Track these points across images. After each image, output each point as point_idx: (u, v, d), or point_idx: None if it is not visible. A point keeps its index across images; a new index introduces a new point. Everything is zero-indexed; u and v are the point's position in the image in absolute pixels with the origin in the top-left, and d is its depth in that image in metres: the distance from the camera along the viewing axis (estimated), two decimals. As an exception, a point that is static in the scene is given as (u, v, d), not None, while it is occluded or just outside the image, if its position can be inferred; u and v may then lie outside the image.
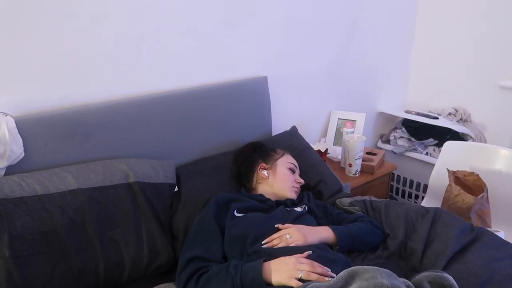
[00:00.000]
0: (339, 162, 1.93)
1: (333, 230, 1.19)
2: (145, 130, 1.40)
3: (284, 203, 1.32)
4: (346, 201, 1.42)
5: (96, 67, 1.34)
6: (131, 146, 1.37)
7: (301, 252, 1.04)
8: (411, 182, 2.30)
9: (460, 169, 1.63)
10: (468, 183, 1.59)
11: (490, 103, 2.18)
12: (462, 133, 2.18)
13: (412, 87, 2.54)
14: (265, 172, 1.40)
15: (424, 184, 2.21)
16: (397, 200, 1.53)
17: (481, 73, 2.19)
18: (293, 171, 1.42)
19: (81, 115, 1.28)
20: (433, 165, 2.08)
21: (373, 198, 1.46)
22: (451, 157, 1.75)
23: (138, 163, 1.29)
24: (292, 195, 1.36)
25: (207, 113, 1.55)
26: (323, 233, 1.17)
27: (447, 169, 1.62)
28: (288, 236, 1.12)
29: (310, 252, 1.04)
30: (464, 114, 2.25)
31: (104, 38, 1.33)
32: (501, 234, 1.40)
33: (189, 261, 1.10)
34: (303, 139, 1.71)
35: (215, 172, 1.47)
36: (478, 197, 1.45)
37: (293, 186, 1.38)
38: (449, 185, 1.58)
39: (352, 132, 1.82)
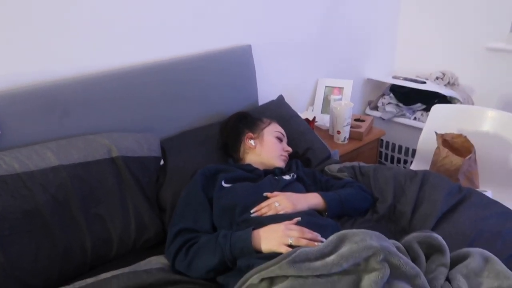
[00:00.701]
0: (327, 130, 1.91)
1: (322, 196, 1.18)
2: (126, 104, 1.36)
3: (272, 172, 1.30)
4: (334, 167, 1.41)
5: (71, 40, 1.28)
6: (113, 121, 1.33)
7: (290, 219, 1.03)
8: (400, 147, 2.30)
9: (448, 132, 1.63)
10: (456, 145, 1.59)
11: (477, 66, 2.17)
12: (450, 97, 2.17)
13: (399, 52, 2.50)
14: (252, 141, 1.38)
15: (412, 149, 2.22)
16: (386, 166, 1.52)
17: (468, 36, 2.16)
18: (280, 140, 1.40)
19: (59, 90, 1.23)
20: (421, 129, 2.09)
21: (362, 164, 1.45)
22: (439, 121, 1.75)
23: (121, 137, 1.25)
24: (280, 163, 1.34)
25: (190, 85, 1.50)
26: (312, 200, 1.16)
27: (435, 132, 1.62)
28: (277, 204, 1.10)
29: (299, 218, 1.03)
30: (452, 78, 2.24)
31: (79, 9, 1.26)
32: (489, 194, 1.41)
33: (178, 233, 1.09)
34: (290, 108, 1.68)
35: (201, 144, 1.44)
36: (466, 158, 1.45)
37: (281, 155, 1.36)
38: (437, 148, 1.58)
39: (340, 99, 1.79)
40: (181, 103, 1.49)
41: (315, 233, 0.99)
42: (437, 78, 2.25)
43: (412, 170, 1.34)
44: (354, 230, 0.90)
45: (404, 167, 2.31)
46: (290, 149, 1.40)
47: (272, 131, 1.40)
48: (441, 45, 2.29)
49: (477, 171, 1.52)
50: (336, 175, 1.38)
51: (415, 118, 2.21)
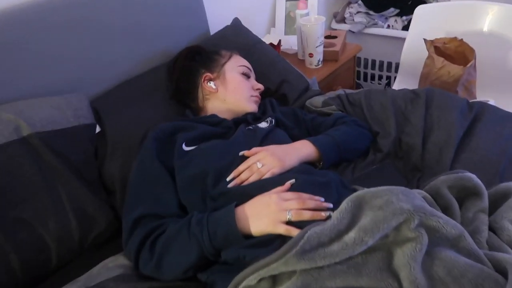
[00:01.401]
0: (295, 55, 1.61)
1: (313, 143, 0.92)
2: (31, 52, 0.96)
3: (244, 120, 1.02)
4: (318, 101, 1.15)
5: None
6: (14, 82, 0.95)
7: (282, 183, 0.78)
8: (378, 63, 2.04)
9: (438, 38, 1.38)
10: (449, 51, 1.35)
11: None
12: (424, -4, 1.89)
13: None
14: (211, 84, 1.07)
15: (395, 63, 1.97)
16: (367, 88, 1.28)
17: None
18: (247, 76, 1.10)
19: None
20: (399, 38, 1.83)
21: (348, 91, 1.19)
22: (424, 25, 1.49)
23: (32, 106, 0.90)
24: (252, 107, 1.06)
25: (118, 18, 1.12)
26: (302, 150, 0.91)
27: (424, 39, 1.36)
28: (259, 165, 0.84)
29: (293, 181, 0.78)
30: (425, -27, 1.94)
31: None
32: (492, 103, 1.22)
33: (136, 223, 0.82)
34: (250, 33, 1.35)
35: (146, 96, 1.11)
36: (467, 66, 1.22)
37: (251, 95, 1.07)
38: (429, 57, 1.34)
39: (307, 14, 1.47)
40: (111, 44, 1.12)
41: (317, 197, 0.75)
42: (408, -26, 1.94)
43: (410, 90, 1.10)
44: (372, 190, 0.67)
45: (387, 86, 2.08)
46: (261, 86, 1.10)
47: (235, 66, 1.09)
48: None
49: (475, 79, 1.31)
50: (321, 111, 1.11)
51: (388, 26, 1.93)
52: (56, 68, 1.02)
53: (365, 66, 2.10)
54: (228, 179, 0.84)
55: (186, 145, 0.93)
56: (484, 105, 1.05)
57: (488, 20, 1.36)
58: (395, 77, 2.01)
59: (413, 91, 1.09)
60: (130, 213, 0.84)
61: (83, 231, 0.89)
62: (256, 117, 1.04)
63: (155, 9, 1.20)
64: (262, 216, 0.72)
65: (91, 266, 0.83)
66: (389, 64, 2.00)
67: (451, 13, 1.44)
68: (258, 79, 1.13)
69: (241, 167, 0.85)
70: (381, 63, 2.02)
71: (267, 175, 0.82)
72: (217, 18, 1.45)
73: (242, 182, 0.83)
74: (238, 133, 0.95)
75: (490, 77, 1.35)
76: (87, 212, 0.90)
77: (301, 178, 0.79)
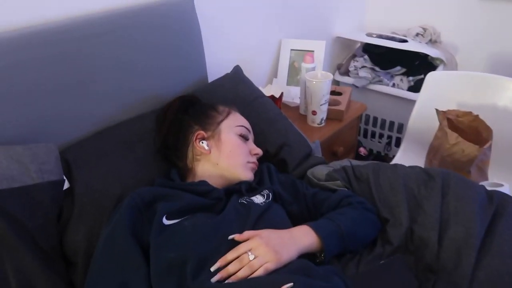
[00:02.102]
0: (297, 109, 1.50)
1: (316, 232, 0.79)
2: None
3: (238, 190, 0.89)
4: (321, 172, 1.02)
5: None
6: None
7: (275, 287, 0.64)
8: (382, 121, 1.94)
9: (449, 108, 1.29)
10: (462, 125, 1.26)
11: (464, 19, 1.83)
12: (431, 57, 1.83)
13: (369, 3, 2.09)
14: (204, 144, 0.94)
15: (398, 123, 1.88)
16: (382, 161, 1.17)
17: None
18: (245, 138, 0.97)
19: None
20: (404, 99, 1.76)
21: (354, 162, 1.07)
22: (434, 92, 1.40)
23: (-15, 157, 0.75)
24: (247, 175, 0.93)
25: (105, 56, 0.99)
26: (303, 240, 0.77)
27: (436, 109, 1.27)
28: (251, 256, 0.70)
29: (290, 285, 0.64)
30: (434, 34, 1.89)
31: None
32: (506, 189, 1.12)
33: (94, 314, 0.66)
34: (252, 84, 1.24)
35: (128, 147, 0.97)
36: (484, 147, 1.12)
37: (248, 162, 0.94)
38: (441, 130, 1.24)
39: (314, 69, 1.37)
40: (93, 85, 0.99)
41: None
42: (417, 34, 1.89)
43: (422, 170, 0.99)
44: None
45: (388, 146, 1.98)
46: (259, 150, 0.98)
47: (232, 126, 0.97)
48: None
49: (489, 159, 1.21)
50: (324, 185, 0.99)
51: (393, 85, 1.86)
52: (24, 106, 0.87)
53: (366, 123, 2.01)
54: (212, 269, 0.70)
55: (167, 218, 0.79)
56: (504, 197, 0.94)
57: (505, 95, 1.28)
58: (396, 137, 1.93)
59: (426, 172, 0.98)
60: (89, 300, 0.69)
61: (27, 315, 0.73)
62: (251, 188, 0.91)
63: (149, 47, 1.08)
64: None
65: None
66: (392, 123, 1.92)
67: (463, 83, 1.36)
68: (256, 141, 1.01)
69: (230, 256, 0.71)
70: (383, 121, 1.94)
71: (259, 271, 0.69)
72: (216, 63, 1.35)
73: (228, 276, 0.69)
74: (229, 208, 0.82)
75: (504, 157, 1.26)
76: (36, 291, 0.74)
77: (300, 282, 0.65)
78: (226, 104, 1.04)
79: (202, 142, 0.94)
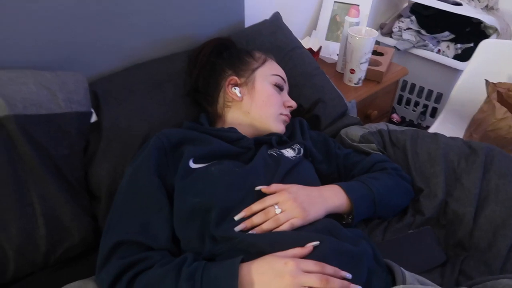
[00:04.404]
0: (333, 65, 1.42)
1: (347, 193, 0.75)
2: (23, 17, 0.78)
3: (267, 142, 0.85)
4: (355, 133, 0.97)
5: None
6: None
7: (302, 243, 0.61)
8: (420, 88, 1.84)
9: (500, 81, 1.19)
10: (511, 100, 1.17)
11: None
12: (484, 25, 1.69)
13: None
14: (236, 90, 0.89)
15: (437, 93, 1.77)
16: (415, 128, 1.09)
17: None
18: (280, 88, 0.92)
19: None
20: (449, 68, 1.64)
21: (391, 127, 1.01)
22: (485, 62, 1.30)
23: (14, 80, 0.73)
24: (279, 127, 0.88)
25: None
26: (333, 200, 0.74)
27: (486, 80, 1.18)
28: (277, 210, 0.68)
29: (316, 243, 0.62)
30: (491, 0, 1.73)
31: None
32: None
33: (115, 248, 0.67)
34: (291, 33, 1.16)
35: (156, 87, 0.94)
36: (535, 125, 1.04)
37: (280, 114, 0.89)
38: (488, 103, 1.16)
39: (358, 24, 1.28)
40: (123, 20, 0.93)
41: (344, 273, 0.58)
42: (472, -1, 1.74)
43: (464, 143, 0.92)
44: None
45: (422, 115, 1.88)
46: (294, 103, 0.92)
47: (268, 74, 0.91)
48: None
49: (536, 139, 1.12)
50: (358, 147, 0.94)
51: (438, 51, 1.73)
52: (54, 34, 0.83)
53: (402, 89, 1.91)
54: (236, 218, 0.68)
55: (194, 162, 0.76)
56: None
57: None
58: (433, 107, 1.83)
59: (469, 145, 0.91)
60: (111, 235, 0.69)
61: (52, 242, 0.74)
62: (281, 140, 0.87)
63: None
64: (270, 287, 0.56)
65: (54, 285, 0.68)
66: (430, 92, 1.81)
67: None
68: (290, 94, 0.95)
69: (255, 207, 0.69)
70: (421, 89, 1.83)
71: (285, 226, 0.66)
72: (254, 8, 1.27)
73: (252, 227, 0.66)
74: (258, 159, 0.78)
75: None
76: (60, 219, 0.74)
77: (328, 242, 0.62)
78: (263, 51, 0.97)
79: (235, 89, 0.89)
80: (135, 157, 0.79)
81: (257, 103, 0.87)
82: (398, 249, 0.77)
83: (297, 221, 0.67)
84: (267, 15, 1.20)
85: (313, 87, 1.04)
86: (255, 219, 0.67)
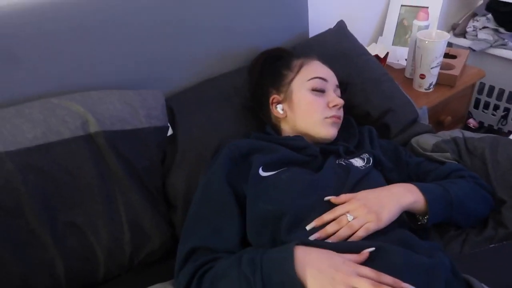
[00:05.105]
0: (402, 71, 1.38)
1: (421, 190, 0.72)
2: (108, 40, 0.87)
3: (335, 151, 0.85)
4: (427, 141, 0.93)
5: None
6: (88, 71, 0.87)
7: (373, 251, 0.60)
8: (500, 91, 1.70)
9: None
10: None
11: None
12: None
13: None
14: (279, 108, 0.90)
15: None
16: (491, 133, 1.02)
17: None
18: (320, 91, 0.87)
19: None
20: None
21: (467, 134, 0.96)
22: None
23: (103, 99, 0.81)
24: (328, 132, 0.86)
25: (206, 9, 0.99)
26: (406, 196, 0.71)
27: None
28: (350, 217, 0.67)
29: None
30: None
31: None
32: None
33: (189, 254, 0.71)
34: (356, 41, 1.15)
35: (225, 99, 0.98)
36: None
37: (325, 117, 0.86)
38: None
39: (427, 27, 1.23)
40: (194, 37, 0.99)
41: (405, 285, 0.56)
42: (559, -10, 1.58)
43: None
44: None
45: (503, 119, 1.74)
46: (340, 101, 0.87)
47: (303, 81, 0.88)
48: None
49: None
50: (431, 156, 0.90)
51: (519, 50, 1.60)
52: (132, 57, 0.92)
53: (480, 92, 1.79)
54: (308, 228, 0.69)
55: (264, 170, 0.79)
56: None
57: None
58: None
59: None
60: (186, 241, 0.73)
61: (135, 246, 0.80)
62: (349, 150, 0.86)
63: (250, 4, 1.05)
64: (323, 275, 0.57)
65: (139, 286, 0.74)
66: (511, 94, 1.68)
67: None
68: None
69: (326, 217, 0.69)
70: (501, 91, 1.70)
71: (360, 232, 0.66)
72: (318, 18, 1.28)
73: (327, 237, 0.67)
74: (327, 168, 0.78)
75: None
76: (142, 226, 0.81)
77: (400, 254, 0.61)
78: (303, 54, 0.96)
79: (277, 107, 0.90)
80: (207, 167, 0.83)
81: (298, 115, 0.87)
82: (479, 263, 0.73)
83: (371, 225, 0.66)
84: (331, 24, 1.20)
85: (381, 94, 1.02)
86: (329, 229, 0.67)
